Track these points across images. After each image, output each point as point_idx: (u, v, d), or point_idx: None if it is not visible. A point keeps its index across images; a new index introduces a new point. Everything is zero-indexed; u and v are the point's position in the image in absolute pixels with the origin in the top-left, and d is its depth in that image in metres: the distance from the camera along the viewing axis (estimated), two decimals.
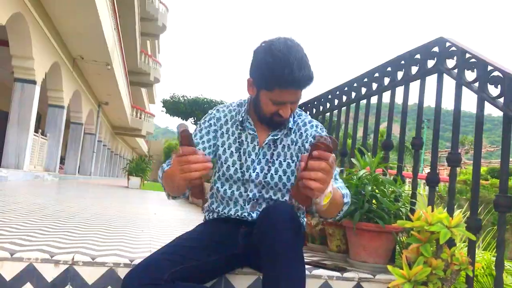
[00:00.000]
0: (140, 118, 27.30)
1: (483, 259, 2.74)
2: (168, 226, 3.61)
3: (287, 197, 1.80)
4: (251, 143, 1.80)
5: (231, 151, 1.81)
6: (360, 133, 3.08)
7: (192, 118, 17.95)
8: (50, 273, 1.69)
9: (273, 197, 1.79)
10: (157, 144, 49.82)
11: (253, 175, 1.77)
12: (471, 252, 1.81)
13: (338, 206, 1.60)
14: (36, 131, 11.79)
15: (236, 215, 1.79)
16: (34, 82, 10.49)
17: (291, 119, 1.80)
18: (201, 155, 1.37)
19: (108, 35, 11.79)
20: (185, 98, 18.69)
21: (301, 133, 1.81)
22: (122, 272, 1.73)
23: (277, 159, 1.78)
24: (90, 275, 1.72)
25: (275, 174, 1.77)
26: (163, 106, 19.21)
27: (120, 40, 14.99)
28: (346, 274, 1.91)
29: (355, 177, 2.19)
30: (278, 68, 1.54)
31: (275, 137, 1.79)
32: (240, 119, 1.81)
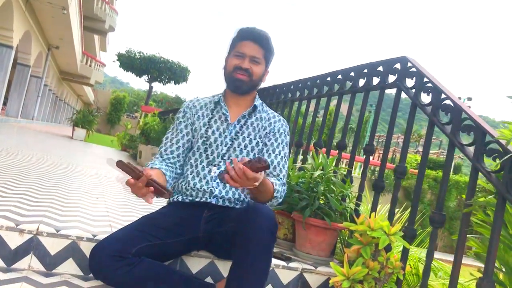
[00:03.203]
0: (90, 65, 26.26)
1: (411, 256, 3.02)
2: (119, 192, 3.67)
3: None
4: (225, 121, 2.00)
5: (200, 126, 2.00)
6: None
7: (147, 76, 17.52)
8: (14, 241, 1.76)
9: None
10: (104, 94, 47.97)
11: (220, 148, 1.96)
12: (404, 258, 2.03)
13: (268, 195, 1.83)
14: None
15: (202, 189, 1.92)
16: None
17: (257, 101, 2.04)
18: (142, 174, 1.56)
19: None
20: (142, 54, 18.17)
21: (270, 122, 2.06)
22: (84, 246, 1.83)
23: (247, 137, 1.99)
24: (53, 245, 1.81)
25: (244, 149, 1.98)
26: (117, 60, 18.61)
27: None
28: (291, 264, 2.09)
29: (309, 176, 2.35)
30: (240, 28, 1.97)
31: (245, 114, 2.00)
32: (216, 99, 2.04)
